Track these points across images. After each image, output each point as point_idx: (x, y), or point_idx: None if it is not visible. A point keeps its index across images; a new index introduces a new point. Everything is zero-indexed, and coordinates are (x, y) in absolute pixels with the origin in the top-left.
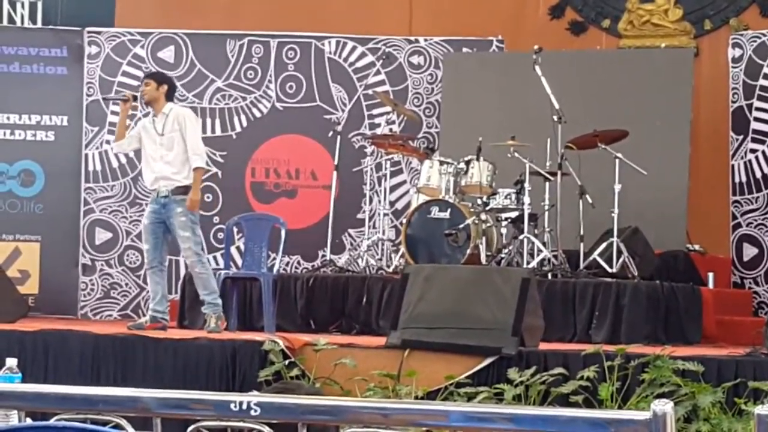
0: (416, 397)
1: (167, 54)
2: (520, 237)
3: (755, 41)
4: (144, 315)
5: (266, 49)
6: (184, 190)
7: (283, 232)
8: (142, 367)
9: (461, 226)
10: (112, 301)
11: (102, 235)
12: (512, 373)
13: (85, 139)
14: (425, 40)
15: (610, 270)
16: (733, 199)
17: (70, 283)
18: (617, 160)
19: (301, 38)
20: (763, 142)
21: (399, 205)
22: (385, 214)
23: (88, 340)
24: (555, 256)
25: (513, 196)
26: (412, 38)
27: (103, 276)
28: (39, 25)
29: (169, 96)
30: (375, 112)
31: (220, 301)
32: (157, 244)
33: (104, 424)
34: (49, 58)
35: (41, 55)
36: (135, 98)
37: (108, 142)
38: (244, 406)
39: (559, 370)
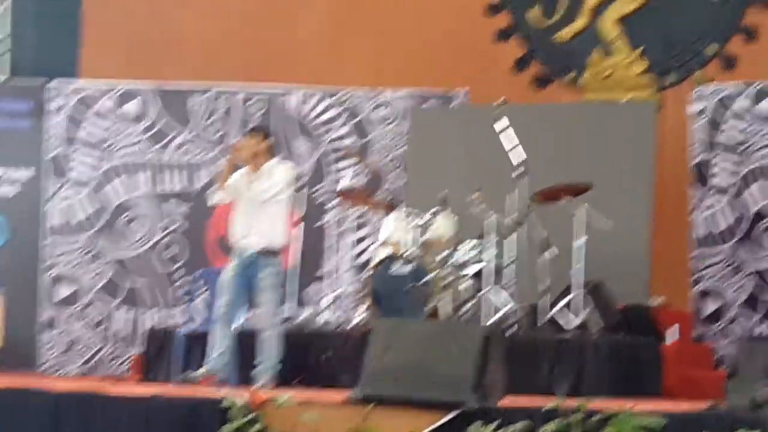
0: None
1: (132, 107)
2: (483, 291)
3: (717, 94)
4: (106, 370)
5: (231, 103)
6: (276, 252)
7: None
8: (101, 424)
9: (424, 280)
10: (74, 356)
11: (64, 290)
12: (474, 428)
13: (48, 193)
14: (390, 92)
15: (572, 324)
16: (694, 253)
17: (32, 338)
18: (580, 214)
19: (266, 91)
20: (723, 196)
21: (362, 260)
22: (348, 269)
23: (48, 398)
24: (517, 310)
25: (477, 250)
26: (377, 91)
27: (64, 331)
28: (8, 75)
29: (272, 152)
30: (339, 165)
31: (278, 367)
32: (234, 299)
33: None
34: (12, 112)
35: (4, 108)
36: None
37: (72, 196)
38: None
39: (522, 424)
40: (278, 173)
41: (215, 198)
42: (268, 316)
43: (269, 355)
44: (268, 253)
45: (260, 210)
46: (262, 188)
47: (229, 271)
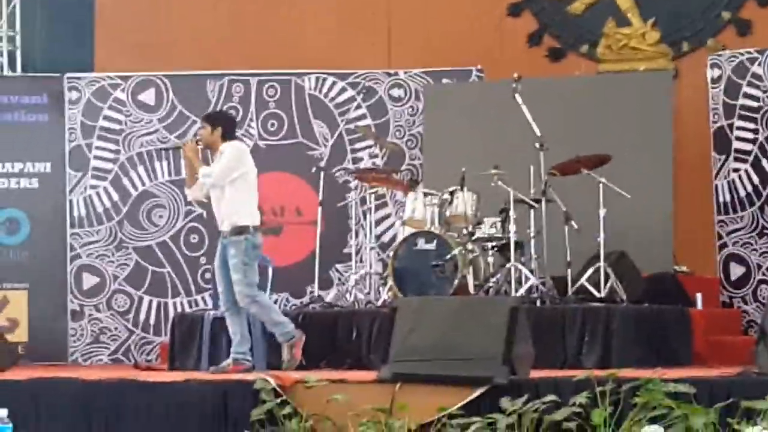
0: (409, 431)
1: (148, 96)
2: (507, 265)
3: (733, 61)
4: (135, 358)
5: (246, 88)
6: (240, 230)
7: (269, 270)
8: (134, 411)
9: (448, 256)
10: (102, 346)
11: (89, 280)
12: (504, 402)
13: (69, 185)
14: (404, 72)
15: (598, 295)
16: (718, 218)
17: (60, 329)
18: (601, 185)
19: (280, 76)
20: (745, 161)
21: (385, 239)
22: (371, 248)
23: (78, 387)
24: (543, 283)
25: (498, 225)
26: (392, 71)
27: (92, 321)
28: (18, 72)
29: (227, 136)
30: (357, 146)
31: (287, 328)
32: (228, 284)
33: None
34: (29, 106)
35: (21, 102)
36: (198, 143)
37: (93, 186)
38: None
39: (551, 397)
40: (224, 154)
41: (189, 195)
42: (242, 295)
43: (273, 325)
44: (233, 233)
45: (222, 193)
46: (203, 173)
47: (215, 259)
